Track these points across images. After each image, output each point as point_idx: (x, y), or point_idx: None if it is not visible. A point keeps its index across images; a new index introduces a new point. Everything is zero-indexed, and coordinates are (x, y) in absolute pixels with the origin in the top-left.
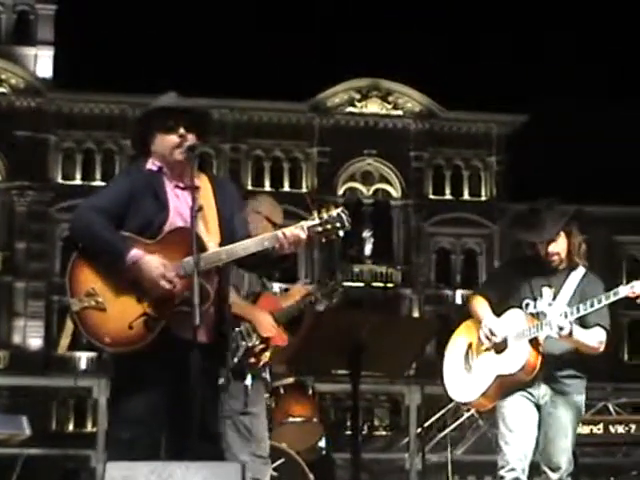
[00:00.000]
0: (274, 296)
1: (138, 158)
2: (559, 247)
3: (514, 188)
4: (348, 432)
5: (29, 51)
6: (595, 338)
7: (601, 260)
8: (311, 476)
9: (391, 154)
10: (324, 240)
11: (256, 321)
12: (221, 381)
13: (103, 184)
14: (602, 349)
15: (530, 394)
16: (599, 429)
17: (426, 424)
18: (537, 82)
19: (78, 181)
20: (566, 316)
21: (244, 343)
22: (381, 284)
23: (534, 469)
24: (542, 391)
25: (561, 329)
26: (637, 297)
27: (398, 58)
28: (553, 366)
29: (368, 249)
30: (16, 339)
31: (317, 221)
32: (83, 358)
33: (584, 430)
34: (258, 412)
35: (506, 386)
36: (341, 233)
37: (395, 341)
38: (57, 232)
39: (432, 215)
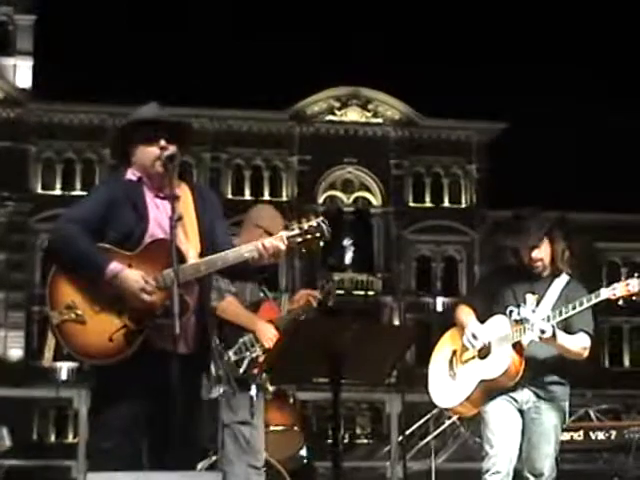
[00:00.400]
0: (274, 303)
1: (119, 168)
2: (542, 253)
3: (494, 195)
4: (329, 441)
5: (8, 61)
6: (579, 343)
7: (582, 266)
8: None
9: (371, 162)
10: (304, 250)
11: (258, 331)
12: (218, 392)
13: (83, 194)
14: (586, 354)
15: (514, 399)
16: (579, 436)
17: (407, 432)
18: (516, 89)
19: (58, 191)
20: (548, 319)
21: (248, 354)
22: (362, 292)
23: (517, 475)
24: (525, 396)
25: (543, 332)
26: (618, 299)
27: (377, 66)
28: (537, 371)
29: (349, 257)
30: None
31: (297, 231)
32: (64, 368)
33: (565, 437)
34: (258, 423)
35: (489, 391)
36: (321, 243)
37: (375, 348)
38: (37, 242)
39: (412, 223)
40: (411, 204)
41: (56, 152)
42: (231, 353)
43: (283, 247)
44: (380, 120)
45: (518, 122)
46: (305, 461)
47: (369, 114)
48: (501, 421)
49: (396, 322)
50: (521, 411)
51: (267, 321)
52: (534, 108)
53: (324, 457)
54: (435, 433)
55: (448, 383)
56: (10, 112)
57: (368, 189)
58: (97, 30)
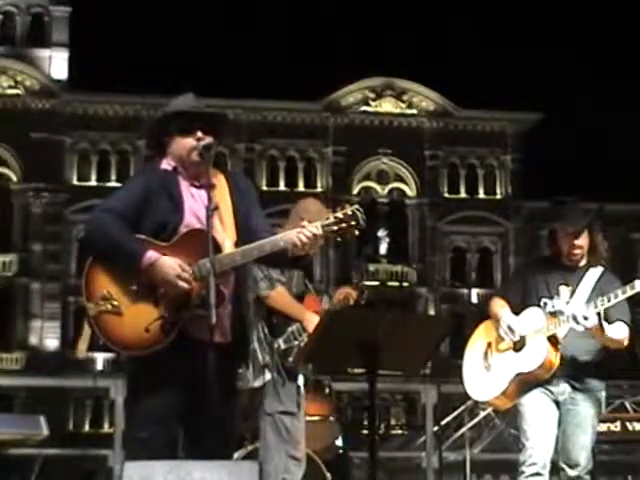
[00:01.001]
0: (317, 297)
1: (153, 159)
2: (582, 242)
3: (529, 186)
4: (365, 431)
5: (44, 53)
6: (620, 333)
7: (617, 258)
8: (328, 475)
9: (406, 153)
10: (339, 239)
11: (306, 321)
12: (263, 380)
13: (118, 185)
14: (626, 343)
15: (549, 391)
16: (616, 427)
17: (442, 423)
18: (552, 80)
19: (93, 182)
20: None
21: (296, 342)
22: (397, 283)
23: (553, 467)
24: (561, 388)
25: (586, 319)
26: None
27: (412, 57)
28: (573, 364)
29: (383, 248)
30: (33, 340)
31: (332, 220)
32: (100, 359)
33: (601, 428)
34: (300, 414)
35: (525, 384)
36: (356, 232)
37: (410, 339)
38: (73, 233)
39: (447, 214)
40: (446, 195)
41: (91, 143)
42: (281, 341)
43: (319, 233)
44: (415, 111)
45: (553, 112)
46: (340, 451)
47: (404, 105)
48: (537, 413)
49: (431, 313)
50: (557, 402)
51: (313, 312)
52: (569, 98)
53: (359, 447)
54: (470, 424)
55: (483, 376)
56: (45, 103)
57: (403, 180)
58: (132, 21)
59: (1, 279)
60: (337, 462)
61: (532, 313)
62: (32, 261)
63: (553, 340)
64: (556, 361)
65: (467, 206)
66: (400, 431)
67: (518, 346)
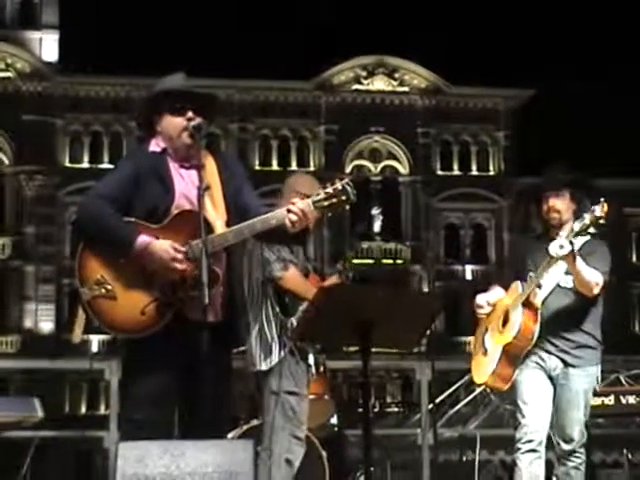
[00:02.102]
0: (318, 277)
1: (145, 140)
2: (561, 205)
3: (522, 163)
4: (360, 409)
5: (34, 35)
6: (592, 275)
7: (610, 233)
8: (323, 453)
9: (398, 131)
10: (330, 214)
11: None
12: (269, 364)
13: (111, 166)
14: (596, 291)
15: (543, 368)
16: (610, 400)
17: (438, 400)
18: (544, 56)
19: (86, 164)
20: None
21: None
22: (390, 261)
23: (549, 441)
24: (554, 363)
25: (561, 247)
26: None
27: (404, 34)
28: (557, 325)
29: (377, 226)
30: (27, 323)
31: (322, 195)
32: (94, 341)
33: (596, 402)
34: (304, 393)
35: (513, 357)
36: (347, 206)
37: (403, 316)
38: (66, 215)
39: (440, 191)
40: (439, 172)
41: (83, 125)
42: (294, 320)
43: (311, 208)
44: (407, 89)
45: (545, 89)
46: (336, 429)
47: (395, 83)
48: (532, 390)
49: (425, 290)
50: (551, 378)
51: None
52: (562, 73)
53: (355, 425)
54: (465, 401)
55: (481, 359)
56: (37, 86)
57: (395, 158)
58: (123, 2)
59: None
60: (332, 440)
61: (512, 287)
62: (26, 244)
63: (529, 306)
64: (534, 327)
65: (460, 183)
66: (396, 409)
67: (504, 324)
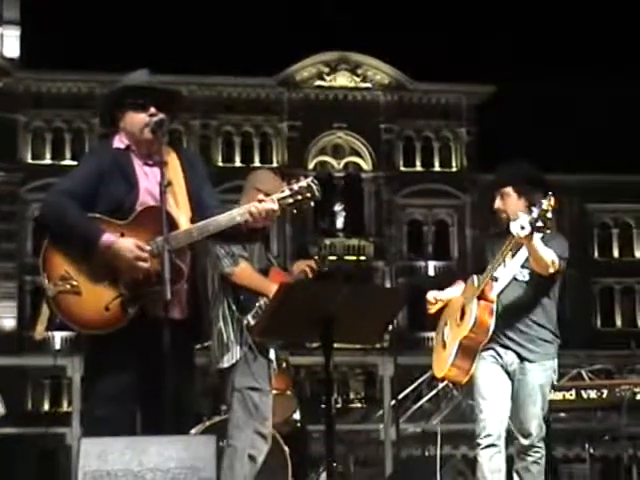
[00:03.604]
0: (282, 271)
1: (108, 136)
2: (505, 205)
3: (485, 159)
4: (323, 405)
5: None
6: (549, 254)
7: (572, 228)
8: (286, 448)
9: (361, 127)
10: (295, 211)
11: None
12: (230, 361)
13: (73, 163)
14: (551, 271)
15: (500, 363)
16: (571, 395)
17: (401, 395)
18: (504, 51)
19: (48, 160)
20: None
21: None
22: (354, 257)
23: (509, 435)
24: (510, 358)
25: (522, 228)
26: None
27: (366, 30)
28: (517, 320)
29: (340, 222)
30: None
31: (287, 192)
32: (57, 337)
33: (557, 396)
34: (266, 389)
35: (470, 350)
36: (312, 203)
37: (365, 311)
38: (28, 212)
39: (403, 187)
40: (402, 168)
41: (45, 121)
42: (249, 317)
43: (275, 207)
44: (369, 85)
45: (508, 84)
46: (298, 425)
47: (358, 79)
48: (490, 385)
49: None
50: (508, 373)
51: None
52: (523, 69)
53: (318, 421)
54: (428, 396)
55: (440, 353)
56: None
57: (358, 154)
58: None
59: None
60: (295, 436)
61: (468, 281)
62: None
63: (484, 298)
64: (490, 320)
65: (423, 179)
66: (359, 404)
67: (461, 316)
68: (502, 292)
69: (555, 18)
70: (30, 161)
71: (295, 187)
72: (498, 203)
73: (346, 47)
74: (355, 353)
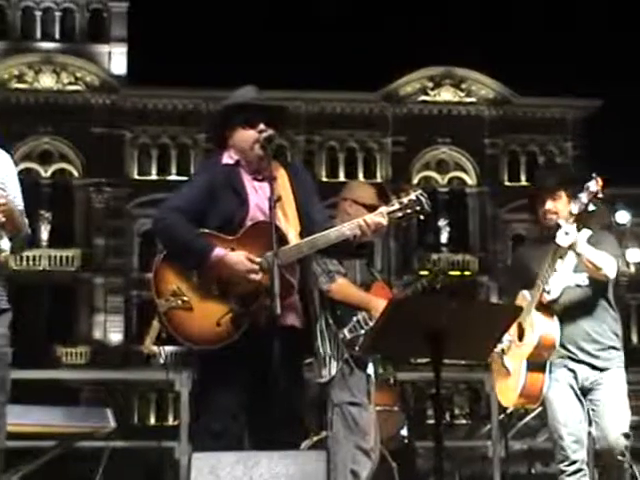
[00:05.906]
0: (386, 286)
1: (214, 152)
2: (558, 207)
3: (592, 172)
4: (429, 421)
5: (103, 49)
6: (603, 257)
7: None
8: (394, 464)
9: (465, 142)
10: (404, 224)
11: (373, 309)
12: (327, 376)
13: (178, 179)
14: (613, 276)
15: (572, 382)
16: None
17: (508, 411)
18: (612, 65)
19: (154, 176)
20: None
21: (363, 331)
22: (458, 272)
23: (597, 455)
24: (584, 373)
25: (567, 234)
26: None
27: (471, 45)
28: (583, 328)
29: (444, 237)
30: (97, 334)
31: (397, 206)
32: (163, 352)
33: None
34: (365, 403)
35: (538, 367)
36: (422, 216)
37: (475, 327)
38: (134, 228)
39: (508, 202)
40: (506, 183)
41: (151, 137)
42: (346, 331)
43: (385, 222)
44: (474, 99)
45: (613, 98)
46: (405, 441)
47: (462, 93)
48: (566, 410)
49: (495, 301)
50: (582, 389)
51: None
52: (630, 83)
53: (423, 437)
54: (534, 412)
55: (505, 382)
56: (106, 99)
57: (463, 169)
58: (190, 15)
59: (64, 274)
60: (402, 452)
61: (519, 298)
62: (95, 256)
63: (542, 309)
64: (554, 330)
65: (528, 194)
66: (464, 420)
67: (519, 337)
68: (562, 300)
69: None
70: (137, 177)
71: (405, 200)
72: (550, 205)
73: (450, 62)
74: (460, 369)
